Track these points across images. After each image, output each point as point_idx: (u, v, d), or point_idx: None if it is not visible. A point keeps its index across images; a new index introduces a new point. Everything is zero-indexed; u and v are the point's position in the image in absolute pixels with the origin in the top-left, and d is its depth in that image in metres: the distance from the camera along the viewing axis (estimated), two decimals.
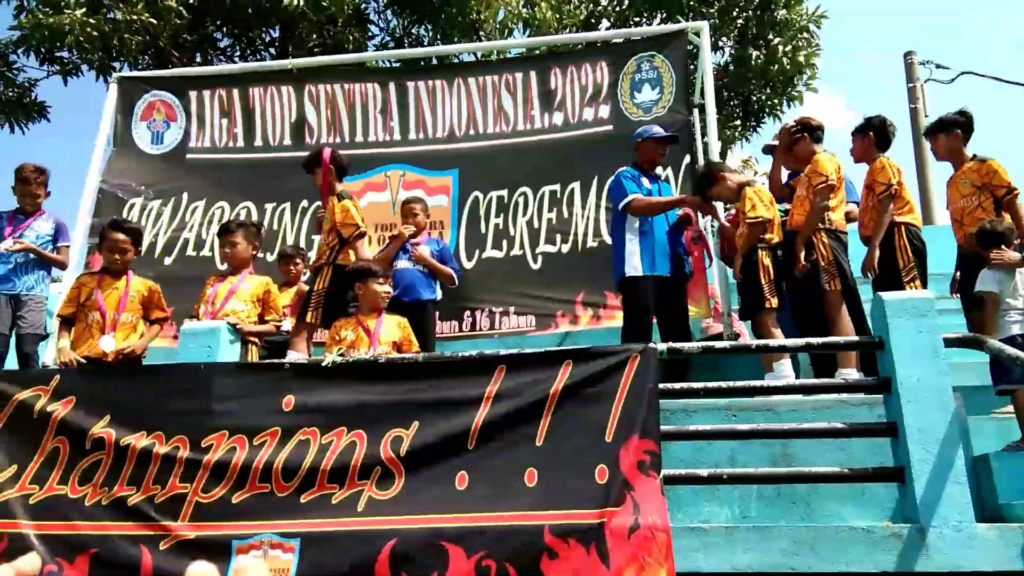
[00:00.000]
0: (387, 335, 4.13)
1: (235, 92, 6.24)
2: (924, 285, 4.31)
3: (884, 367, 3.05)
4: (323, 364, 3.24)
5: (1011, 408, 4.04)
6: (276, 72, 6.38)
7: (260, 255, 5.56)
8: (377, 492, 2.96)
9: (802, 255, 4.38)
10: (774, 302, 4.46)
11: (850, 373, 4.04)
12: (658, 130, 5.08)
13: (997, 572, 2.70)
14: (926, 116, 12.80)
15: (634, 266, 4.69)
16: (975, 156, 4.55)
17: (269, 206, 5.96)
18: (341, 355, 3.33)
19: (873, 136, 4.66)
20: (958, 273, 4.66)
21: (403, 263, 5.10)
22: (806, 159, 4.72)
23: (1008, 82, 13.15)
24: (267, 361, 3.66)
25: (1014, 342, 3.82)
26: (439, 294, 5.21)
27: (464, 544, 2.82)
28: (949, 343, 3.05)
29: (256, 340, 4.23)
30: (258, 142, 6.14)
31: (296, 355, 4.21)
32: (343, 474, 2.98)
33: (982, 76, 13.23)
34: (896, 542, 2.76)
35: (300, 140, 6.10)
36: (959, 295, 4.64)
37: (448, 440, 3.00)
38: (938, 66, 13.15)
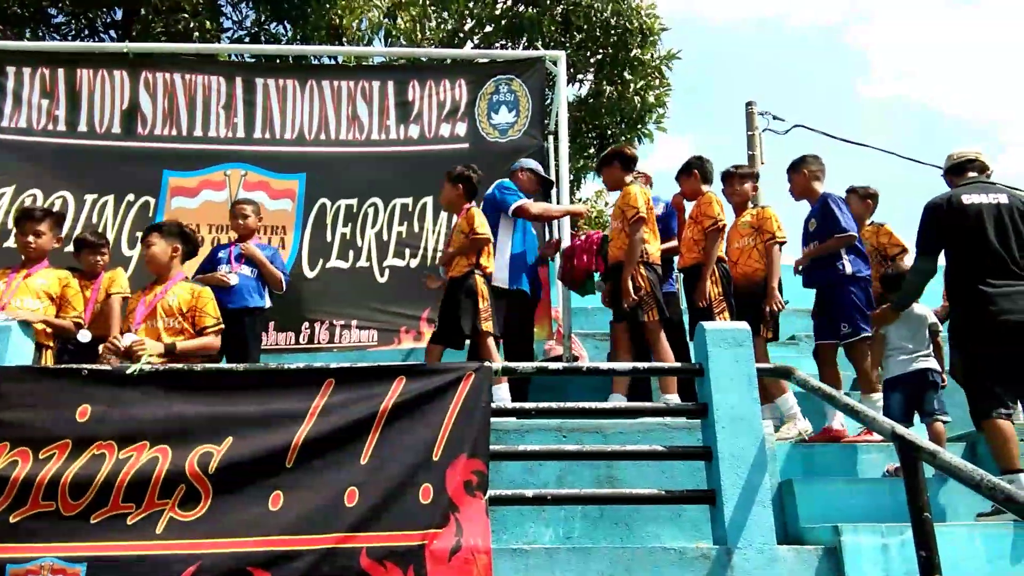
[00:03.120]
0: (174, 302, 3.78)
1: (60, 72, 5.70)
2: (732, 316, 4.57)
3: (703, 393, 3.18)
4: (128, 372, 2.96)
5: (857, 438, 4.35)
6: (110, 55, 5.91)
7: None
8: (180, 513, 2.72)
9: (630, 287, 4.48)
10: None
11: (672, 398, 4.20)
12: (537, 167, 5.16)
13: None
14: (762, 163, 13.81)
15: (500, 279, 4.72)
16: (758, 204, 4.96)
17: (89, 197, 5.46)
18: (149, 363, 3.06)
19: (697, 174, 4.94)
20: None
21: (228, 267, 4.78)
22: (615, 186, 4.89)
23: (834, 137, 14.47)
24: (61, 366, 3.29)
25: (923, 377, 4.14)
26: (268, 302, 4.94)
27: (273, 569, 2.64)
28: (762, 372, 3.23)
29: (51, 343, 3.81)
30: (82, 127, 5.62)
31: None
32: (141, 492, 2.71)
33: (812, 130, 14.31)
34: (705, 562, 2.85)
35: (131, 129, 5.64)
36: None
37: (264, 457, 2.81)
38: (775, 117, 14.20)
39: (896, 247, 5.18)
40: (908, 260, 4.97)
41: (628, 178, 4.85)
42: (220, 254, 4.89)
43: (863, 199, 5.32)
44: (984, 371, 3.53)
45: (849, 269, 4.57)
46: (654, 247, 4.70)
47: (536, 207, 4.94)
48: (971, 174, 3.86)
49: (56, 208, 5.31)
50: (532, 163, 5.15)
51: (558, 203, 5.72)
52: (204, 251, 5.27)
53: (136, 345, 3.53)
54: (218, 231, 5.46)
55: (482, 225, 4.59)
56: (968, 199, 3.69)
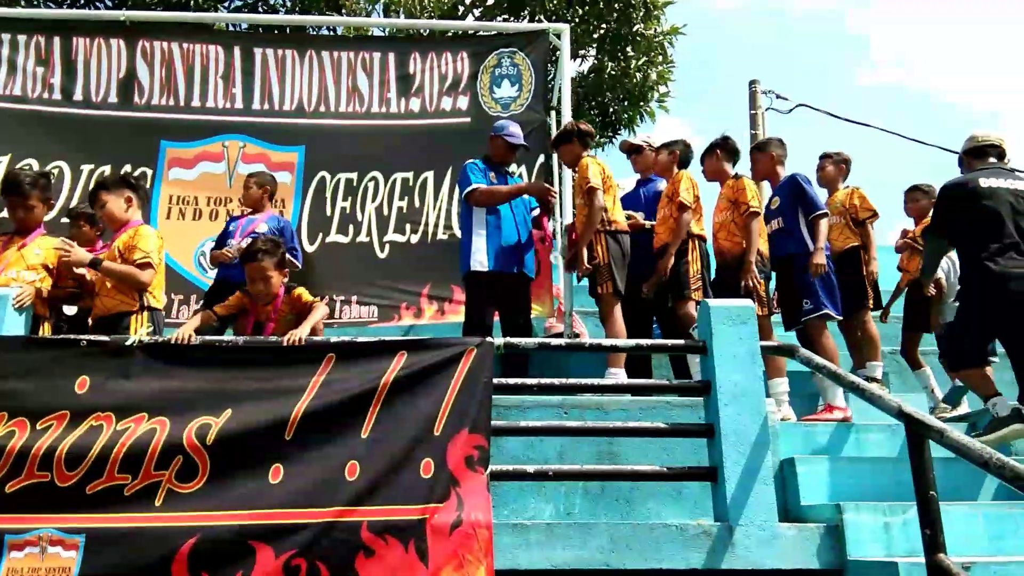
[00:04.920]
0: (117, 244, 3.83)
1: (56, 40, 5.60)
2: (706, 295, 4.56)
3: (706, 371, 3.15)
4: (127, 343, 2.93)
5: (818, 416, 4.35)
6: (106, 23, 5.79)
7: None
8: (178, 485, 2.70)
9: (584, 257, 4.47)
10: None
11: (618, 373, 4.18)
12: (514, 132, 4.98)
13: (795, 570, 2.85)
14: None
15: (479, 261, 4.61)
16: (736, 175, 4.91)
17: (86, 168, 5.39)
18: (149, 334, 3.03)
19: (677, 154, 4.92)
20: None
21: (238, 241, 4.74)
22: (572, 162, 4.87)
23: (838, 117, 14.35)
24: (60, 337, 3.26)
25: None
26: None
27: (273, 542, 2.63)
28: (766, 350, 3.20)
29: (46, 313, 3.76)
30: (78, 96, 5.53)
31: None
32: (137, 463, 2.69)
33: (816, 110, 14.17)
34: (706, 540, 2.84)
35: (128, 99, 5.55)
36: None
37: (263, 430, 2.79)
38: (778, 96, 14.08)
39: (867, 211, 5.24)
40: (877, 224, 5.27)
41: (585, 153, 4.80)
42: (231, 227, 4.88)
43: (837, 164, 5.45)
44: (982, 337, 3.77)
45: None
46: (621, 216, 4.68)
47: (481, 194, 4.67)
48: (991, 159, 3.95)
49: (53, 177, 5.25)
50: (504, 127, 4.99)
51: (549, 177, 5.62)
52: (216, 225, 5.24)
53: (67, 245, 3.69)
54: (216, 203, 5.40)
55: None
56: (986, 183, 3.77)
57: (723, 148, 4.96)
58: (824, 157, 5.52)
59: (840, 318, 4.72)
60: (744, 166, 5.10)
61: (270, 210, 5.05)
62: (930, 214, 4.19)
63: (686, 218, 4.61)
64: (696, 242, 4.68)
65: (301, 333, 3.16)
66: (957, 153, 4.29)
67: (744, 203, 4.66)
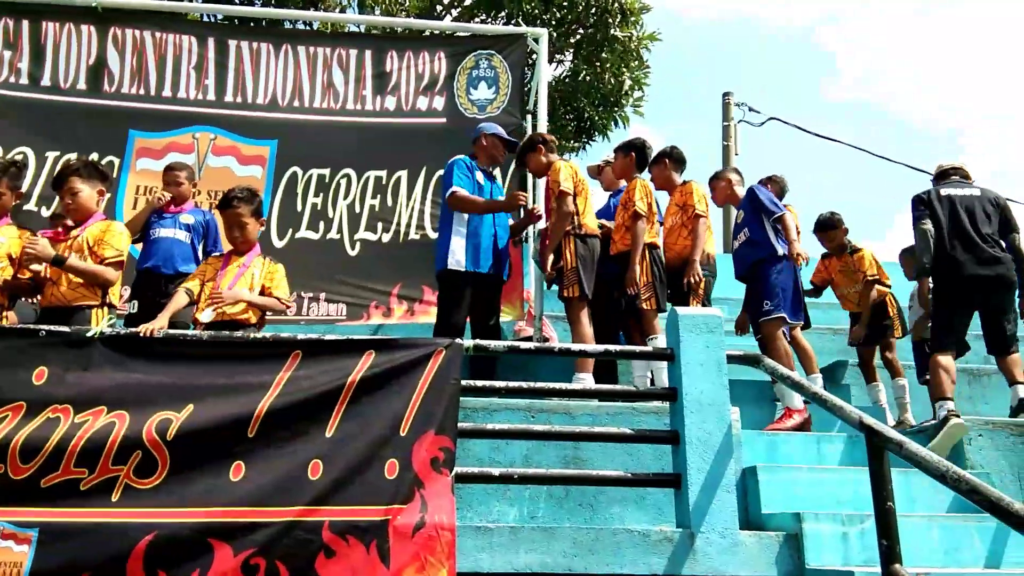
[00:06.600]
0: (85, 238, 3.70)
1: (25, 23, 5.48)
2: (660, 304, 4.61)
3: (673, 378, 3.18)
4: (87, 335, 2.87)
5: (779, 423, 4.41)
6: (77, 8, 5.66)
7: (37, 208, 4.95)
8: (136, 480, 2.65)
9: (549, 262, 4.51)
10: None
11: (586, 378, 4.21)
12: (502, 130, 5.01)
13: None
14: (736, 154, 13.88)
15: (456, 260, 4.58)
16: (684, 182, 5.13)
17: (51, 155, 5.27)
18: (111, 326, 2.97)
19: (634, 156, 4.92)
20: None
21: (162, 231, 4.61)
22: (538, 170, 4.91)
23: (807, 131, 14.55)
24: (17, 327, 3.18)
25: None
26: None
27: (232, 541, 2.60)
28: (732, 359, 3.23)
29: (5, 302, 3.66)
30: (46, 82, 5.41)
31: None
32: (94, 458, 2.64)
33: (786, 123, 14.39)
34: (668, 546, 2.86)
35: (97, 86, 5.45)
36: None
37: (225, 426, 2.75)
38: (751, 109, 14.26)
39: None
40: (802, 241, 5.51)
41: (554, 157, 4.81)
42: (152, 219, 4.68)
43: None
44: (950, 314, 4.30)
45: (780, 251, 4.75)
46: (592, 220, 4.72)
47: (458, 200, 4.59)
48: (953, 178, 4.62)
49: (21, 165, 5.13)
50: (493, 127, 5.00)
51: (523, 182, 5.60)
52: None
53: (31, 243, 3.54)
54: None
55: None
56: (944, 191, 4.48)
57: (671, 157, 5.15)
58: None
59: (799, 323, 4.84)
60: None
61: (192, 203, 4.91)
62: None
63: (641, 226, 4.62)
64: (647, 250, 4.68)
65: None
66: (917, 170, 4.81)
67: (691, 206, 4.86)
